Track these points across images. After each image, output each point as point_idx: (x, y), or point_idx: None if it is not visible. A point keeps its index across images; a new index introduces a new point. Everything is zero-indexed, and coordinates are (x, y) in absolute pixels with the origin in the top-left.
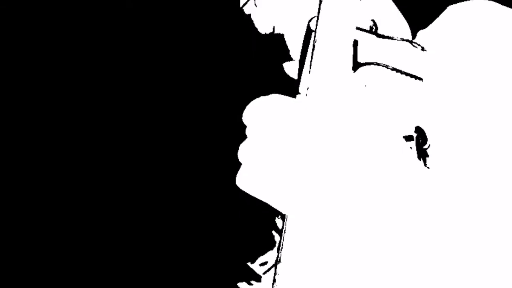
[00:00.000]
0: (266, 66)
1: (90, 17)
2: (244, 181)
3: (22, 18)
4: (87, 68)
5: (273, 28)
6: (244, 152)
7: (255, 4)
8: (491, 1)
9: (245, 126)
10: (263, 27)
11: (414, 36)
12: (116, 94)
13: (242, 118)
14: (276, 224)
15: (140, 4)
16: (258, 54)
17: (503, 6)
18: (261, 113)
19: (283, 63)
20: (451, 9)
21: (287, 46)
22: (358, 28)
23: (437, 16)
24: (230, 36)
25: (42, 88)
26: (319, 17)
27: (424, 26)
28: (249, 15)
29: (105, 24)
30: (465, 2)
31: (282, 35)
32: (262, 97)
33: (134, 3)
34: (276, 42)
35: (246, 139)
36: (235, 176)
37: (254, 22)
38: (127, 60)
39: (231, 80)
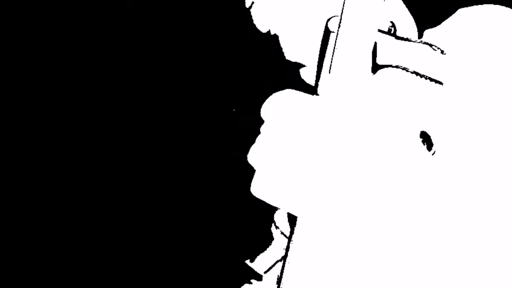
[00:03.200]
0: (282, 65)
1: (90, 17)
2: (259, 189)
3: (22, 18)
4: (87, 67)
5: (288, 28)
6: (256, 156)
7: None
8: (501, 6)
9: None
10: (279, 28)
11: (420, 35)
12: (116, 93)
13: (260, 112)
14: (275, 222)
15: (140, 4)
16: (273, 54)
17: None
18: (280, 109)
19: (298, 62)
20: (461, 12)
21: (303, 46)
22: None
23: (446, 18)
24: (238, 35)
25: (42, 88)
26: (342, 19)
27: (431, 27)
28: (264, 14)
29: (105, 24)
30: (475, 6)
31: (299, 35)
32: (281, 92)
33: (134, 3)
34: (292, 42)
35: (258, 142)
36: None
37: (269, 22)
38: (127, 59)
39: (241, 79)
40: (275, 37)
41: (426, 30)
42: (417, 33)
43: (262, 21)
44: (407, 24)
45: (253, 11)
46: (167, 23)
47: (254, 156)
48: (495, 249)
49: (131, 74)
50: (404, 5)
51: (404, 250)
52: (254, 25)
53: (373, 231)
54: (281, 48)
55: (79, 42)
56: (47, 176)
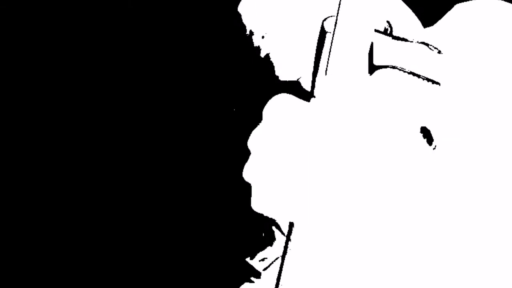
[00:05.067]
0: (276, 65)
1: (90, 17)
2: (251, 176)
3: (22, 18)
4: (87, 67)
5: (284, 29)
6: (255, 144)
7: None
8: (498, 0)
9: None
10: (274, 28)
11: (417, 35)
12: (116, 93)
13: (262, 112)
14: (275, 220)
15: (140, 4)
16: (269, 54)
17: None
18: (280, 110)
19: (293, 63)
20: (458, 8)
21: (298, 46)
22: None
23: (443, 14)
24: (236, 36)
25: (42, 88)
26: (337, 20)
27: (431, 24)
28: (260, 15)
29: (105, 24)
30: (472, 1)
31: (294, 35)
32: (283, 94)
33: (134, 3)
34: (287, 42)
35: (258, 136)
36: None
37: (265, 22)
38: (127, 60)
39: (238, 80)
40: (272, 36)
41: (424, 29)
42: (414, 32)
43: (260, 22)
44: (404, 23)
45: (249, 12)
46: (167, 23)
47: (254, 144)
48: (497, 247)
49: (131, 74)
50: (400, 5)
51: (404, 248)
52: (253, 25)
53: (374, 230)
54: (277, 49)
55: (78, 42)
56: (47, 176)
